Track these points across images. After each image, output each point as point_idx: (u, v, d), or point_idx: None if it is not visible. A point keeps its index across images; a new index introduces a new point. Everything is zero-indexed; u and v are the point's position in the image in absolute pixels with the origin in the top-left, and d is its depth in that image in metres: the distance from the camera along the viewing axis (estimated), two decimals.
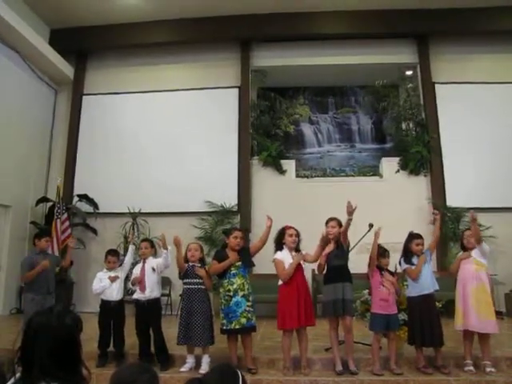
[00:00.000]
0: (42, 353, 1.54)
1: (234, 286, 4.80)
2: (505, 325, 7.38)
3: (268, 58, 10.26)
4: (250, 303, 4.80)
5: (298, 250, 4.90)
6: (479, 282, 4.71)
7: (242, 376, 1.74)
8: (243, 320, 4.71)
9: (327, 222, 4.93)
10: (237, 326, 4.71)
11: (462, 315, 4.69)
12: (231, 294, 4.78)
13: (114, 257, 5.42)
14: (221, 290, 4.90)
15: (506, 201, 8.97)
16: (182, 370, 4.81)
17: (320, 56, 10.03)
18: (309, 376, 4.61)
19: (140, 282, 5.08)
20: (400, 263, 5.01)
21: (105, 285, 5.20)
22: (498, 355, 4.86)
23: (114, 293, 5.21)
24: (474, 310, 4.61)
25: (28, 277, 5.30)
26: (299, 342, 4.75)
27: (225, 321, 4.76)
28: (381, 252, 4.86)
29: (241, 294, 4.79)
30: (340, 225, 4.88)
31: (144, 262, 5.22)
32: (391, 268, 5.01)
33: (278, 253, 4.85)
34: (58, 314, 1.64)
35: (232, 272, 4.85)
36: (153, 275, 5.14)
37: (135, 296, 5.13)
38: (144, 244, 5.33)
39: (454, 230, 8.74)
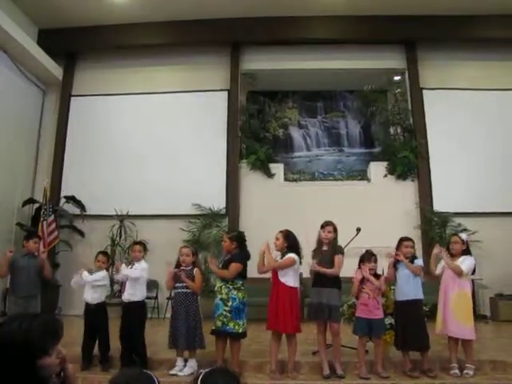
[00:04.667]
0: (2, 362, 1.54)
1: (216, 288, 4.92)
2: (489, 328, 7.47)
3: (257, 62, 10.27)
4: (227, 308, 4.75)
5: (287, 252, 4.88)
6: (461, 288, 4.76)
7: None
8: (218, 323, 4.75)
9: (324, 226, 4.94)
10: (213, 327, 4.79)
11: (441, 320, 4.76)
12: (216, 295, 4.88)
13: (105, 257, 5.38)
14: None
15: (491, 206, 9.07)
16: (172, 372, 4.76)
17: (309, 60, 10.06)
18: (296, 380, 4.61)
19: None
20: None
21: (76, 279, 5.13)
22: (482, 359, 4.92)
23: (89, 296, 5.11)
24: (454, 315, 4.68)
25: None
26: (288, 346, 4.75)
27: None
28: (367, 256, 4.89)
29: (219, 296, 4.83)
30: (335, 230, 4.92)
31: (132, 265, 5.18)
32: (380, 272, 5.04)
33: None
34: (13, 327, 1.60)
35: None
36: (135, 278, 5.09)
37: (123, 298, 5.10)
38: (138, 247, 5.27)
39: (440, 234, 8.81)
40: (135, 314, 5.04)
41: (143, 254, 5.27)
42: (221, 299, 4.79)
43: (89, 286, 5.13)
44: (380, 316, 4.81)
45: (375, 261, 4.88)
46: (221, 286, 4.85)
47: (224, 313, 4.74)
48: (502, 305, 8.24)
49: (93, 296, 5.11)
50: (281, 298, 4.68)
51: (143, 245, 5.40)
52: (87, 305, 5.12)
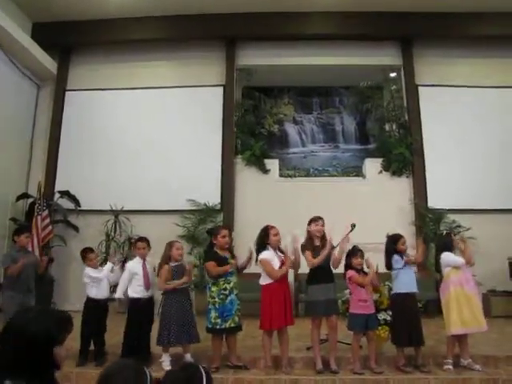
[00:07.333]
0: (10, 352, 1.57)
1: (231, 285, 4.83)
2: None
3: (253, 57, 10.24)
4: (239, 301, 4.87)
5: (280, 249, 4.92)
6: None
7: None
8: (236, 318, 4.79)
9: (316, 220, 4.98)
10: (232, 325, 4.75)
11: (473, 317, 4.77)
12: (227, 292, 4.78)
13: (92, 253, 5.37)
14: (214, 289, 4.80)
15: (486, 203, 9.12)
16: (167, 368, 4.75)
17: (305, 56, 10.05)
18: (290, 375, 4.63)
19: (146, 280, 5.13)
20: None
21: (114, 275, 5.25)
22: (474, 353, 4.95)
23: (105, 291, 5.21)
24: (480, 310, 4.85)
25: (13, 271, 5.06)
26: (280, 341, 4.78)
27: (219, 320, 4.72)
28: (354, 252, 4.90)
29: (235, 292, 4.84)
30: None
31: (144, 261, 5.22)
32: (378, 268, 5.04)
33: (265, 252, 4.79)
34: (34, 317, 1.65)
35: (230, 270, 4.87)
36: (153, 274, 5.20)
37: (135, 294, 5.08)
38: (142, 244, 5.28)
39: (435, 230, 8.85)
40: (152, 309, 5.21)
41: (148, 249, 5.33)
42: (236, 294, 4.84)
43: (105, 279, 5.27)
44: (374, 311, 4.87)
45: (362, 256, 4.90)
46: (236, 281, 4.89)
47: (239, 307, 4.84)
48: (494, 301, 8.30)
49: (108, 290, 5.26)
50: (288, 293, 4.79)
51: (147, 240, 5.37)
52: (96, 300, 5.13)
